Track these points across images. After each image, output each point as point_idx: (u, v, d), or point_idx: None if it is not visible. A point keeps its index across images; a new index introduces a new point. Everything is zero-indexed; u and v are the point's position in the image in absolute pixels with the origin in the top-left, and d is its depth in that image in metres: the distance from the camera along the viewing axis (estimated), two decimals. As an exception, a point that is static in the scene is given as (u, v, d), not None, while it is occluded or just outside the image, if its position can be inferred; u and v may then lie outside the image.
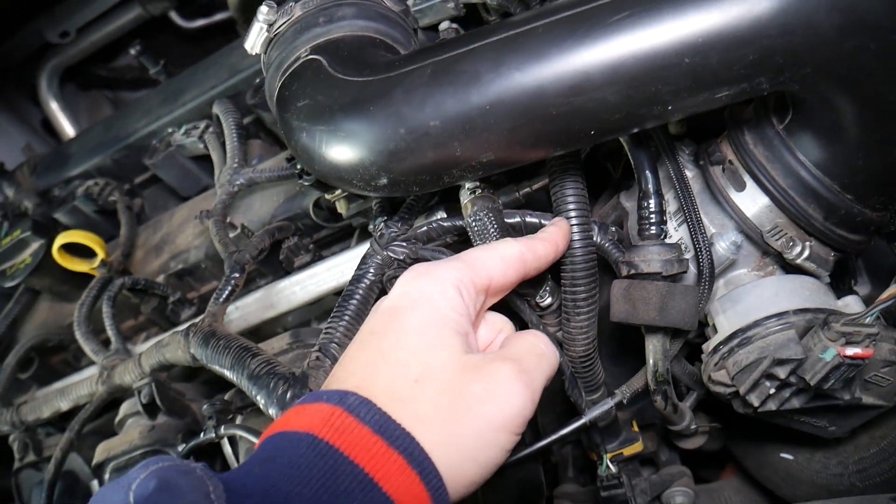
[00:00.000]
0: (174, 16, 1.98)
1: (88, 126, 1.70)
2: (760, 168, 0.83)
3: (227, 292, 1.02)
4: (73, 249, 1.25)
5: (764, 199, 0.84)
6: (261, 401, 0.84)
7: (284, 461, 0.55)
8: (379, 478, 0.55)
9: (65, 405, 1.13)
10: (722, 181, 0.87)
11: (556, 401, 1.10)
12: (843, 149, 0.78)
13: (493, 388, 0.61)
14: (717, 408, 1.06)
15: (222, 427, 0.93)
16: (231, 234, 1.12)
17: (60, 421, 1.26)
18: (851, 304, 0.83)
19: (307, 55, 0.86)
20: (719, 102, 0.74)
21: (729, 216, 0.87)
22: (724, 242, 0.86)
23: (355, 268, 0.94)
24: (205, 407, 0.97)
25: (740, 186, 0.86)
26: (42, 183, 1.50)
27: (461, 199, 0.92)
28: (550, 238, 0.79)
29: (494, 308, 0.78)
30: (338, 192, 1.09)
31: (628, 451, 1.02)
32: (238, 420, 0.98)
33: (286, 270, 1.16)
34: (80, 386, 1.12)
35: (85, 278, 1.32)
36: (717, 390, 0.86)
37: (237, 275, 1.03)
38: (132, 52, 1.51)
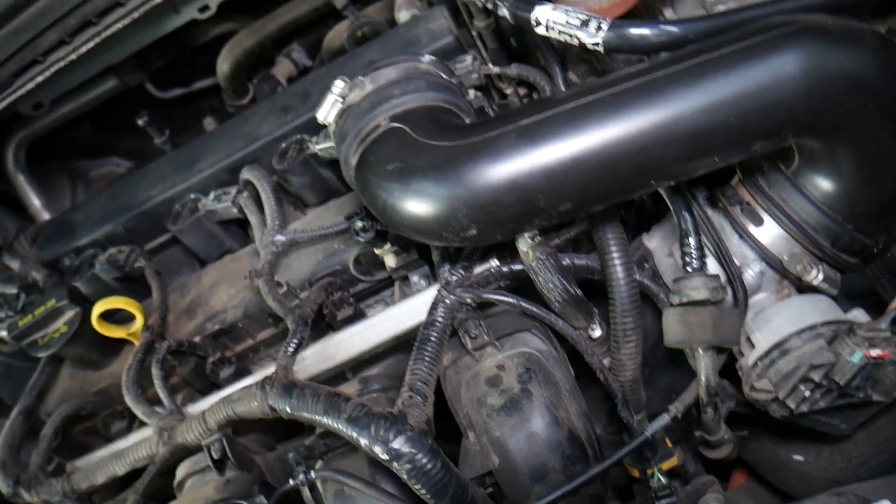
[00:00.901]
0: (150, 86, 2.02)
1: (88, 197, 1.70)
2: (777, 207, 0.99)
3: (294, 346, 1.08)
4: (105, 316, 1.27)
5: (781, 232, 1.00)
6: (363, 441, 0.91)
7: None
8: None
9: (121, 469, 1.13)
10: (742, 219, 1.03)
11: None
12: (845, 186, 0.95)
13: None
14: (735, 419, 1.20)
15: (312, 472, 0.98)
16: (280, 292, 1.18)
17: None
18: (859, 315, 0.99)
19: (388, 124, 0.96)
20: (754, 153, 0.90)
21: (750, 248, 1.03)
22: (752, 271, 1.01)
23: (426, 313, 1.03)
24: (290, 454, 1.01)
25: (758, 222, 1.02)
26: (47, 253, 1.50)
27: (520, 246, 1.03)
28: None
29: None
30: (386, 246, 1.18)
31: (666, 465, 1.14)
32: (320, 465, 1.03)
33: (329, 324, 1.23)
34: (138, 448, 1.13)
35: (114, 345, 1.33)
36: (758, 398, 0.99)
37: (303, 328, 1.10)
38: (140, 122, 1.55)
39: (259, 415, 1.05)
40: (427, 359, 0.99)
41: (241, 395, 1.06)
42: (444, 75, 1.04)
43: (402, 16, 1.49)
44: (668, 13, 1.09)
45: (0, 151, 2.04)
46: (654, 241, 1.14)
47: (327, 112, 1.02)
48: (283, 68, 1.98)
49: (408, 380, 0.97)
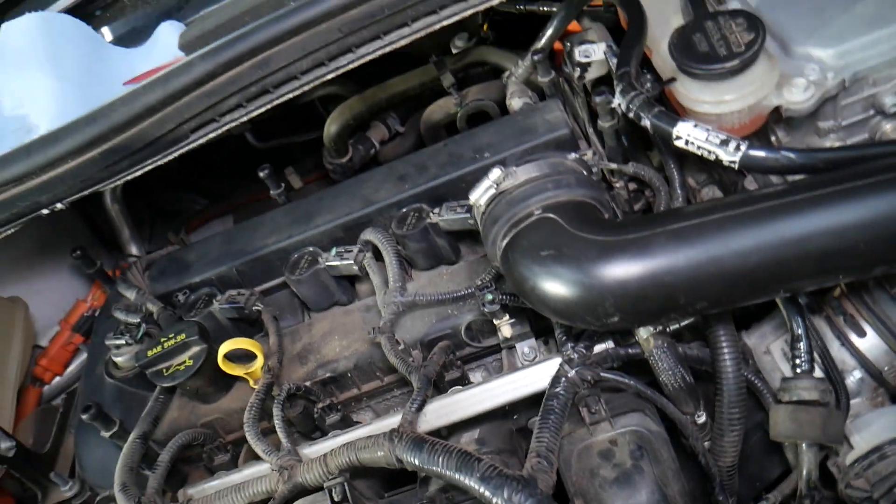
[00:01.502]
0: (249, 136, 2.15)
1: (202, 239, 1.80)
2: (882, 323, 1.09)
3: (419, 403, 1.17)
4: (227, 355, 1.36)
5: (882, 346, 1.10)
6: (496, 500, 0.99)
7: None
8: None
9: (241, 502, 1.21)
10: (845, 328, 1.13)
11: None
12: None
13: None
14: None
15: (437, 523, 1.05)
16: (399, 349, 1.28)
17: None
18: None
19: (541, 213, 1.07)
20: (871, 276, 1.01)
21: (851, 355, 1.13)
22: (853, 378, 1.11)
23: (547, 385, 1.13)
24: (414, 506, 1.09)
25: (861, 334, 1.12)
26: (160, 287, 1.59)
27: (640, 333, 1.13)
28: None
29: None
30: (505, 318, 1.28)
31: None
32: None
33: (435, 383, 1.31)
34: (257, 483, 1.20)
35: (227, 381, 1.42)
36: (852, 495, 1.08)
37: (427, 387, 1.19)
38: (261, 174, 1.67)
39: (383, 464, 1.13)
40: (552, 428, 1.08)
41: (366, 443, 1.14)
42: (586, 172, 1.16)
43: (515, 103, 1.61)
44: (781, 133, 1.20)
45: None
46: (753, 339, 1.24)
47: (481, 195, 1.13)
48: (377, 132, 2.12)
49: (534, 446, 1.06)
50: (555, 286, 1.02)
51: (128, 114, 1.12)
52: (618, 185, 1.42)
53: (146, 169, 1.21)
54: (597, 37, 1.46)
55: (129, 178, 1.22)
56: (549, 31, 1.57)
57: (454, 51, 1.93)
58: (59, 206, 1.23)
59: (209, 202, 2.61)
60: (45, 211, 1.22)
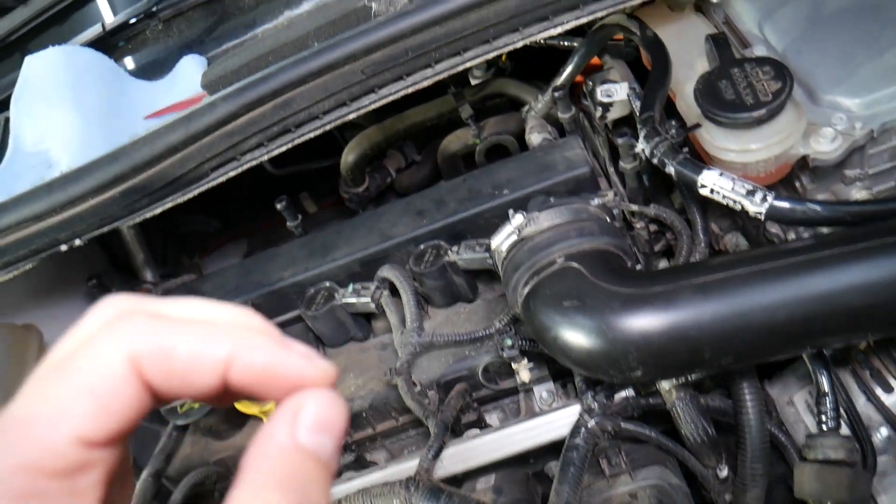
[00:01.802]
0: (267, 164, 2.15)
1: (217, 270, 1.80)
2: (910, 378, 1.06)
3: (436, 450, 1.15)
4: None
5: (910, 402, 1.08)
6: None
7: None
8: None
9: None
10: (871, 383, 1.11)
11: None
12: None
13: None
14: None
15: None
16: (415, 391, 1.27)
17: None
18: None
19: (563, 262, 1.05)
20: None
21: (877, 410, 1.10)
22: (879, 435, 1.09)
23: (567, 435, 1.11)
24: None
25: (888, 389, 1.09)
26: (175, 319, 1.59)
27: (662, 385, 1.11)
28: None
29: None
30: (524, 362, 1.26)
31: None
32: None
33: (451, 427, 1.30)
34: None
35: (241, 419, 1.41)
36: (879, 557, 1.05)
37: (444, 433, 1.17)
38: (278, 206, 1.66)
39: (399, 512, 1.11)
40: (571, 481, 1.06)
41: (382, 490, 1.13)
42: (609, 219, 1.14)
43: (534, 138, 1.60)
44: (806, 180, 1.19)
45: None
46: (776, 389, 1.22)
47: (502, 241, 1.12)
48: (393, 160, 2.11)
49: (553, 500, 1.04)
50: (577, 337, 1.00)
51: (150, 153, 1.12)
52: (638, 225, 1.41)
53: (165, 207, 1.21)
54: (619, 76, 1.45)
55: (147, 215, 1.21)
56: (570, 68, 1.56)
57: (472, 81, 1.93)
58: (77, 241, 1.22)
59: (223, 225, 2.61)
60: (63, 247, 1.22)
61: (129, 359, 0.39)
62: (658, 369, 1.00)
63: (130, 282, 2.10)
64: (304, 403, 0.40)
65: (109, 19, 1.45)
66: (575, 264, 1.04)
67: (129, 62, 1.50)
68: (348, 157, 1.92)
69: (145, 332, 0.39)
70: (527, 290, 1.08)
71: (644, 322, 0.97)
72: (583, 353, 1.01)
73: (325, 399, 0.40)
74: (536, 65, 1.88)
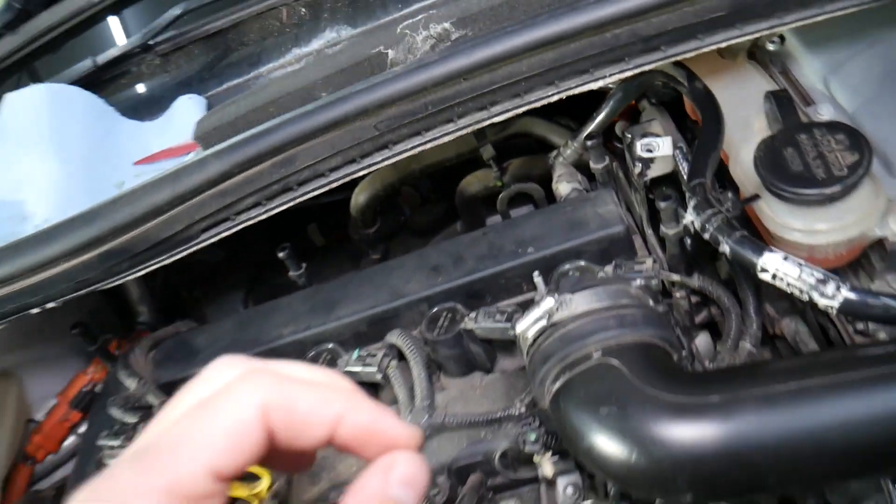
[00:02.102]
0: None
1: (212, 324, 1.65)
2: None
3: (446, 557, 1.02)
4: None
5: None
6: None
7: None
8: None
9: None
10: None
11: None
12: None
13: None
14: None
15: None
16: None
17: None
18: None
19: (600, 357, 0.91)
20: None
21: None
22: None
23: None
24: None
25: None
26: (164, 375, 1.45)
27: (710, 495, 0.96)
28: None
29: None
30: (547, 455, 1.12)
31: None
32: None
33: (465, 515, 1.16)
34: None
35: (230, 500, 1.27)
36: None
37: (457, 538, 1.04)
38: (280, 255, 1.53)
39: None
40: None
41: None
42: (652, 303, 1.00)
43: (563, 188, 1.47)
44: (878, 263, 1.04)
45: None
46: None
47: (529, 325, 0.97)
48: (407, 198, 1.98)
49: None
50: (616, 451, 0.86)
51: (131, 214, 0.99)
52: (678, 294, 1.26)
53: (150, 269, 1.08)
54: (661, 129, 1.31)
55: (129, 279, 1.08)
56: (603, 114, 1.43)
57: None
58: (50, 304, 1.09)
59: (228, 254, 2.49)
60: (34, 310, 1.09)
61: (261, 407, 0.46)
62: (712, 495, 0.85)
63: (123, 322, 1.97)
64: (396, 461, 0.47)
65: (104, 52, 1.32)
66: (614, 361, 0.90)
67: (121, 99, 1.37)
68: (359, 197, 1.78)
69: (274, 387, 0.47)
70: (556, 386, 0.93)
71: (697, 439, 0.82)
72: (623, 469, 0.86)
73: (414, 460, 0.48)
74: (564, 102, 1.75)
